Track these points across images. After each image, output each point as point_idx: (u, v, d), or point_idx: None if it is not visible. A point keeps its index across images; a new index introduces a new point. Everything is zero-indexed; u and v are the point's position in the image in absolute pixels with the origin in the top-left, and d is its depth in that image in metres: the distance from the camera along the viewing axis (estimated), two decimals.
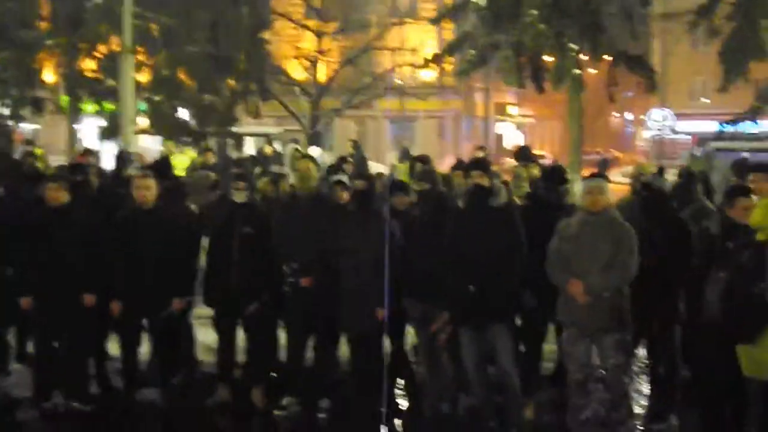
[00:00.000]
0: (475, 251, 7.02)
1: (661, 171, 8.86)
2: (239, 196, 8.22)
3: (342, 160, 11.84)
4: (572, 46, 19.83)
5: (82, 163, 10.47)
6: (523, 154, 12.24)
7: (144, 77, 24.01)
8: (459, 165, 9.72)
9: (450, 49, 23.84)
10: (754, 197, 6.74)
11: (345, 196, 8.39)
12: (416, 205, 8.06)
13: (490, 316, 7.06)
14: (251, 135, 29.76)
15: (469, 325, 7.17)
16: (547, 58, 21.22)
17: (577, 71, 20.32)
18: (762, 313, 6.00)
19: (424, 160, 11.06)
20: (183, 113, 26.38)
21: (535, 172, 11.18)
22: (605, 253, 6.76)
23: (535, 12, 19.76)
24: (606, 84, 22.12)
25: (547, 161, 16.80)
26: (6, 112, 23.99)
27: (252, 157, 22.77)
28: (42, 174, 9.42)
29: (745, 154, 25.08)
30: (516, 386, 7.18)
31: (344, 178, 8.89)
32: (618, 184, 15.29)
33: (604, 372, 7.46)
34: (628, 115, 64.86)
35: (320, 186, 8.63)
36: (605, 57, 21.85)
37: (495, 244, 7.01)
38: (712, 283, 6.21)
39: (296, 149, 11.19)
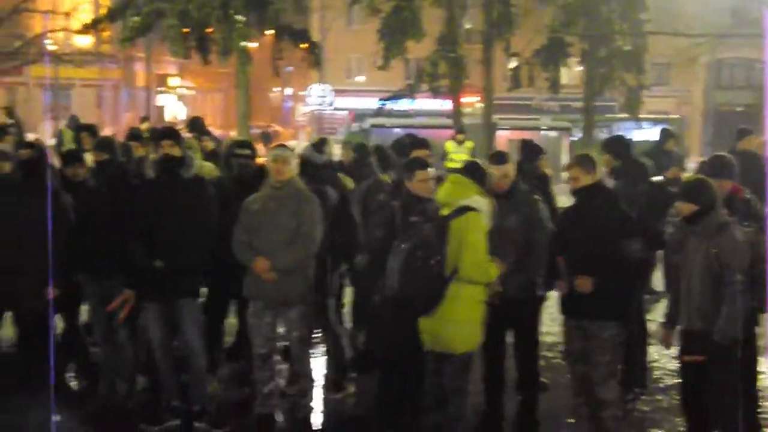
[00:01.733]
0: (164, 224, 6.73)
1: (322, 142, 8.99)
2: None
3: (1, 128, 10.96)
4: (239, 17, 19.75)
5: None
6: (196, 125, 12.01)
7: None
8: (134, 134, 9.36)
9: (111, 15, 22.87)
10: (431, 170, 7.01)
11: (7, 167, 7.77)
12: (92, 177, 7.63)
13: (178, 292, 6.81)
14: None
15: (156, 301, 6.87)
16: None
17: (245, 44, 20.29)
18: (437, 286, 6.22)
19: (91, 129, 10.53)
20: None
21: (210, 145, 11.06)
22: (289, 227, 6.70)
23: None
24: (270, 58, 22.29)
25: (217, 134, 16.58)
26: None
27: None
28: None
29: (398, 130, 26.52)
30: (202, 362, 7.01)
31: (5, 147, 8.24)
32: None
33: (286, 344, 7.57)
34: (287, 90, 66.06)
35: None
36: (268, 31, 22.05)
37: (186, 216, 6.76)
38: (394, 255, 6.36)
39: None
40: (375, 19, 23.22)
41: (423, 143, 8.37)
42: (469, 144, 19.44)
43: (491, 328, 6.57)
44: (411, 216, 6.53)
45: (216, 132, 22.61)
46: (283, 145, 7.49)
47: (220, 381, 7.80)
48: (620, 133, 13.25)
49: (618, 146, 8.30)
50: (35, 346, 7.44)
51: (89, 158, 7.85)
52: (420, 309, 6.31)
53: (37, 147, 7.78)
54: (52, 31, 36.39)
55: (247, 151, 7.81)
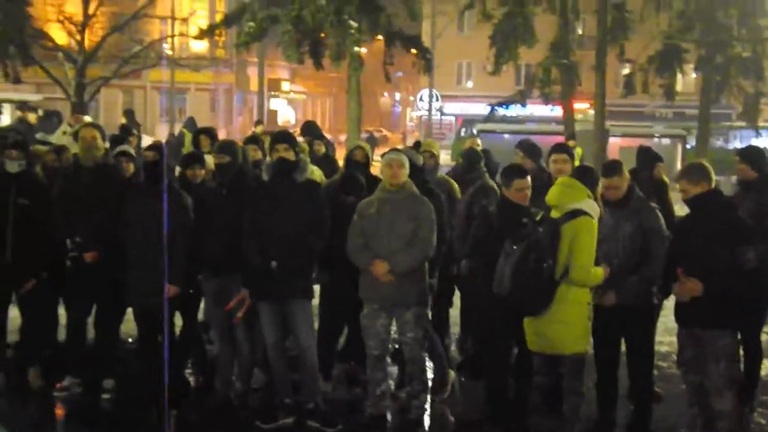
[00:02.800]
0: (277, 226, 6.88)
1: (417, 145, 9.05)
2: (12, 166, 7.67)
3: (125, 130, 11.34)
4: (352, 23, 19.96)
5: None
6: (310, 129, 12.18)
7: None
8: (252, 138, 9.54)
9: (227, 20, 23.39)
10: (528, 179, 6.99)
11: (131, 167, 8.06)
12: (212, 178, 7.85)
13: (290, 292, 6.95)
14: (7, 102, 28.04)
15: (269, 301, 7.03)
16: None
17: (358, 49, 20.50)
18: (549, 288, 6.24)
19: (210, 132, 10.78)
20: None
21: (322, 149, 11.21)
22: (406, 231, 6.80)
23: None
24: (382, 63, 22.44)
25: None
26: None
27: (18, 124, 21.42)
28: None
29: (507, 136, 26.37)
30: (315, 363, 7.13)
31: (129, 149, 8.53)
32: None
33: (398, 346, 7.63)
34: (397, 95, 66.44)
35: (105, 157, 8.18)
36: (379, 36, 22.22)
37: (298, 219, 6.90)
38: (505, 257, 6.38)
39: (68, 123, 10.53)
40: (487, 24, 23.17)
41: (561, 147, 8.31)
42: (579, 150, 19.24)
43: (605, 336, 6.53)
44: (507, 222, 6.54)
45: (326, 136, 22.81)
46: (398, 149, 7.57)
47: (332, 381, 7.89)
48: (755, 144, 12.81)
49: (756, 157, 7.98)
50: (155, 342, 7.74)
51: (209, 160, 8.05)
52: (530, 311, 6.36)
53: (159, 149, 8.02)
54: (169, 36, 37.48)
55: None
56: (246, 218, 7.04)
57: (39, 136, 9.83)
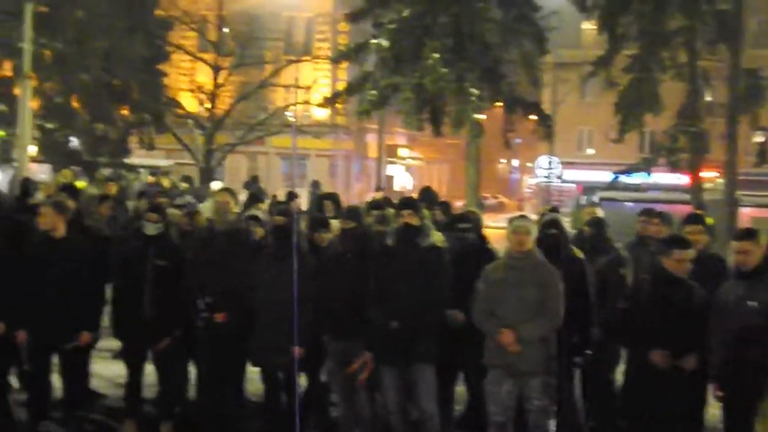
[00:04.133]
0: (402, 290, 7.01)
1: (554, 210, 9.04)
2: (150, 229, 8.03)
3: (255, 196, 11.74)
4: (473, 90, 20.16)
5: None
6: (427, 196, 12.34)
7: (34, 104, 23.39)
8: (373, 204, 9.75)
9: (350, 89, 23.92)
10: (691, 250, 6.85)
11: (260, 231, 8.32)
12: (336, 242, 8.05)
13: (413, 356, 7.04)
14: (142, 167, 29.27)
15: (392, 364, 7.12)
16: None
17: (478, 116, 20.66)
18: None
19: (334, 197, 11.05)
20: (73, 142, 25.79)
21: (440, 214, 11.33)
22: (533, 299, 6.80)
23: (436, 55, 20.02)
24: (502, 130, 22.54)
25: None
26: None
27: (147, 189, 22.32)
28: None
29: (630, 204, 25.92)
30: (437, 428, 7.16)
31: (259, 214, 8.82)
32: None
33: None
34: (514, 161, 66.31)
35: (237, 220, 8.50)
36: (498, 103, 22.32)
37: (422, 283, 7.01)
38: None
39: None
40: (611, 91, 22.99)
41: (696, 218, 8.23)
42: (709, 220, 18.72)
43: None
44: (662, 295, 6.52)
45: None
46: (525, 216, 7.61)
47: None
48: None
49: None
50: (279, 402, 7.92)
51: (335, 225, 8.27)
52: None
53: (290, 214, 8.29)
54: (293, 104, 38.51)
55: (466, 225, 8.02)
56: (371, 282, 7.18)
57: (178, 200, 10.26)
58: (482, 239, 8.11)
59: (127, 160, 27.11)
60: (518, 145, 49.87)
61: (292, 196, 9.50)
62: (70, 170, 19.60)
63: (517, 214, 8.29)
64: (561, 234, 7.63)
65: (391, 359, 7.10)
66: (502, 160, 66.25)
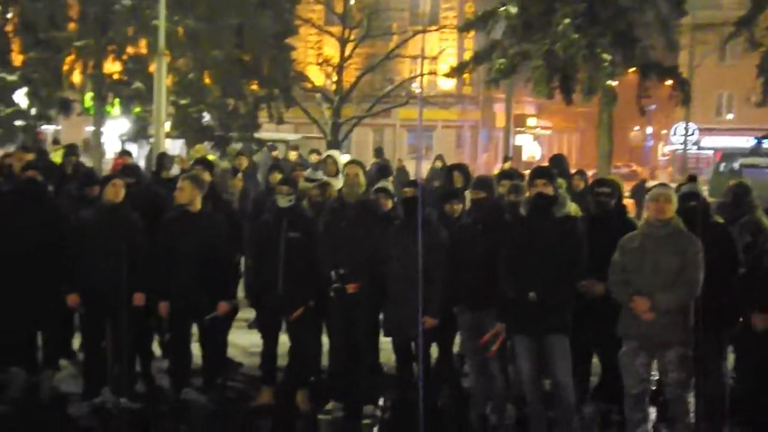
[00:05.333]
0: (536, 261, 6.90)
1: (692, 178, 8.70)
2: (283, 201, 8.14)
3: (383, 167, 11.79)
4: (605, 56, 19.61)
5: (130, 165, 10.53)
6: (558, 163, 12.14)
7: (169, 81, 24.03)
8: (505, 174, 9.63)
9: (477, 58, 23.62)
10: None
11: (389, 203, 8.33)
12: (467, 213, 8.00)
13: (548, 327, 6.93)
14: (271, 141, 29.76)
15: (526, 334, 7.04)
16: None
17: (610, 82, 20.11)
18: None
19: (462, 168, 10.96)
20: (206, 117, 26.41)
21: (581, 184, 11.13)
22: (670, 268, 6.59)
23: (567, 20, 19.54)
24: (636, 96, 21.84)
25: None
26: (33, 112, 23.97)
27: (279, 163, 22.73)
28: (93, 174, 9.40)
29: None
30: (571, 400, 7.05)
31: (388, 186, 8.82)
32: None
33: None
34: (648, 129, 64.67)
35: (367, 193, 8.53)
36: (632, 68, 21.63)
37: (557, 253, 6.88)
38: None
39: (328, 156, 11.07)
40: (753, 53, 22.00)
41: None
42: None
43: None
44: None
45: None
46: (665, 184, 7.37)
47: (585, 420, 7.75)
48: None
49: None
50: (411, 372, 7.95)
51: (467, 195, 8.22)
52: None
53: (418, 186, 8.25)
54: (419, 75, 38.49)
55: (607, 190, 7.80)
56: (503, 253, 7.09)
57: (307, 173, 10.38)
58: (621, 208, 7.90)
59: (256, 135, 27.61)
60: (652, 112, 48.56)
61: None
62: (202, 145, 20.20)
63: (656, 182, 8.01)
64: (701, 204, 7.37)
65: (526, 329, 7.01)
66: (635, 128, 64.65)
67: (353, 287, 7.90)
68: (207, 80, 25.56)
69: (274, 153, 21.13)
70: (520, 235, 7.08)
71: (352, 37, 35.32)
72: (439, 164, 18.84)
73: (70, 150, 12.19)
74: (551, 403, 7.24)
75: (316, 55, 36.31)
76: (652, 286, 6.59)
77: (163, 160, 11.09)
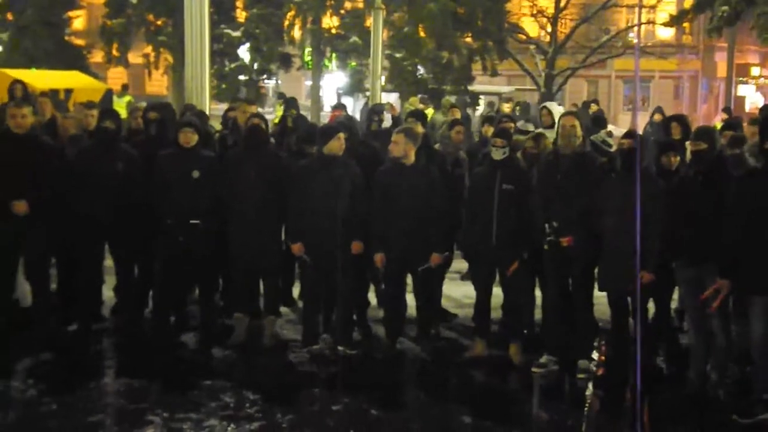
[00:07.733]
0: (764, 216, 6.60)
1: None
2: (497, 154, 8.15)
3: (599, 117, 11.55)
4: None
5: (346, 119, 10.82)
6: None
7: (384, 35, 24.44)
8: (728, 125, 9.25)
9: (698, 6, 22.60)
10: None
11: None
12: (687, 165, 7.76)
13: None
14: (483, 93, 29.71)
15: (760, 294, 6.74)
16: None
17: None
18: None
19: (681, 119, 10.59)
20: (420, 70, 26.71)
21: None
22: None
23: None
24: None
25: None
26: (255, 66, 25.03)
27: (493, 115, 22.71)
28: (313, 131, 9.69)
29: None
30: None
31: (607, 138, 8.66)
32: None
33: None
34: None
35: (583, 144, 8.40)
36: None
37: None
38: None
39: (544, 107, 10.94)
40: None
41: None
42: None
43: None
44: None
45: None
46: None
47: None
48: None
49: None
50: (627, 329, 7.80)
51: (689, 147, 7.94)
52: None
53: (635, 135, 8.03)
54: (636, 24, 37.22)
55: None
56: (726, 206, 6.83)
57: (519, 125, 10.30)
58: None
59: (470, 87, 27.65)
60: None
61: None
62: (416, 97, 20.47)
63: None
64: None
65: (759, 289, 6.72)
66: None
67: (567, 240, 7.84)
68: (422, 33, 25.80)
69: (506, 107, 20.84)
70: (748, 187, 6.75)
71: None
72: (658, 117, 18.16)
73: (290, 104, 12.65)
74: None
75: (531, 6, 35.75)
76: None
77: (374, 111, 11.28)
